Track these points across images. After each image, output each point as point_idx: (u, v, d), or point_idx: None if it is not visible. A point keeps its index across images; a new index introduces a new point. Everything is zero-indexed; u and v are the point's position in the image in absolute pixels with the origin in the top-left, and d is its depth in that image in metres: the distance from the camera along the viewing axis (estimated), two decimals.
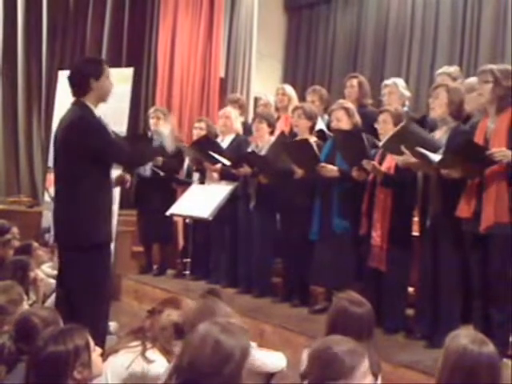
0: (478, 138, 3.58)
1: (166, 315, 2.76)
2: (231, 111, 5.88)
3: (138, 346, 2.66)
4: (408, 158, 3.78)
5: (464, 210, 3.59)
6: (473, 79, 4.55)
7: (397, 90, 5.13)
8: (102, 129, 3.46)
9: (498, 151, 3.37)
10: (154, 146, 3.70)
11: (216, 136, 5.98)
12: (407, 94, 5.24)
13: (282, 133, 5.19)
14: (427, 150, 3.64)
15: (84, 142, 3.33)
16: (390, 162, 4.18)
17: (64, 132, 3.44)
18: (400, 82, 5.30)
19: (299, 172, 4.79)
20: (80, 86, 3.47)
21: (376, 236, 4.17)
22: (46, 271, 4.89)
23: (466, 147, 3.49)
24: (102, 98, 3.54)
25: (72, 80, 3.52)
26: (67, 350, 2.02)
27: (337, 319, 2.60)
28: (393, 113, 4.32)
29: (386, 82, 5.30)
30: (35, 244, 4.98)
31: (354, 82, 5.40)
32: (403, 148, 3.76)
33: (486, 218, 3.44)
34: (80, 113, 3.43)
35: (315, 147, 4.67)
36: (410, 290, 4.34)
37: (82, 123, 3.39)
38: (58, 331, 2.12)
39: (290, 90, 5.89)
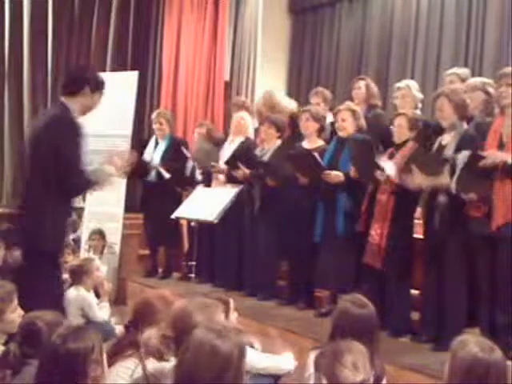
0: (492, 141, 3.59)
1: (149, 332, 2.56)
2: (246, 115, 5.88)
3: (132, 356, 2.52)
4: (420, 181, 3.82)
5: (475, 209, 3.59)
6: (476, 79, 4.56)
7: (410, 92, 5.08)
8: (77, 136, 3.40)
9: (490, 156, 3.40)
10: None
11: (217, 140, 6.01)
12: (420, 96, 5.17)
13: (283, 142, 5.21)
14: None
15: (55, 142, 3.31)
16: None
17: (40, 129, 3.43)
18: (413, 84, 5.23)
19: (304, 181, 4.80)
20: (73, 86, 3.45)
21: (375, 234, 4.16)
22: None
23: (471, 161, 3.49)
24: (85, 109, 3.52)
25: (69, 76, 3.56)
26: (86, 346, 2.01)
27: (339, 320, 2.61)
28: (409, 117, 4.33)
29: (399, 84, 5.22)
30: None
31: (361, 83, 5.40)
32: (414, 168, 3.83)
33: (498, 217, 3.44)
34: (62, 112, 3.41)
35: (318, 157, 4.65)
36: (415, 293, 4.33)
37: (61, 122, 3.38)
38: (74, 329, 2.12)
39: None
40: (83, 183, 3.51)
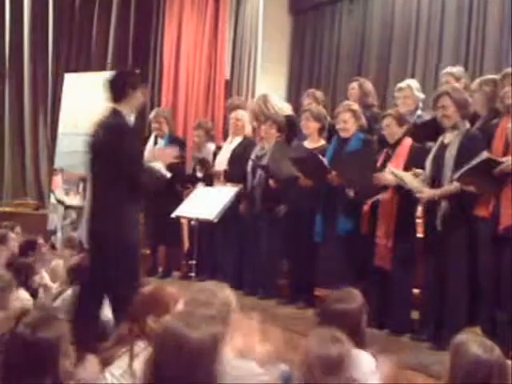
0: (499, 142, 3.59)
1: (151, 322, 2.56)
2: (243, 114, 5.88)
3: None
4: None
5: (482, 209, 3.59)
6: (476, 81, 4.54)
7: (411, 93, 5.05)
8: (135, 137, 3.76)
9: (505, 165, 3.40)
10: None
11: (214, 139, 6.04)
12: (421, 96, 5.14)
13: (278, 141, 5.21)
14: None
15: (120, 145, 3.55)
16: (395, 164, 4.18)
17: (103, 136, 3.65)
18: (414, 84, 5.19)
19: (307, 182, 4.79)
20: (117, 93, 3.71)
21: (381, 235, 4.17)
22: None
23: (483, 163, 3.49)
24: (135, 107, 3.81)
25: (111, 86, 3.75)
26: (56, 336, 1.95)
27: (321, 316, 2.65)
28: (395, 115, 4.34)
29: (401, 85, 5.17)
30: (40, 241, 5.00)
31: (355, 84, 5.42)
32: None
33: (505, 218, 3.44)
34: (118, 118, 3.67)
35: (324, 160, 4.64)
36: (416, 291, 4.33)
37: (119, 128, 3.64)
38: (42, 317, 2.05)
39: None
40: (149, 181, 3.84)
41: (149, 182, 3.84)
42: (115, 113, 3.70)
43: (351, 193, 4.45)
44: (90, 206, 3.83)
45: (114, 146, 3.57)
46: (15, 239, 4.77)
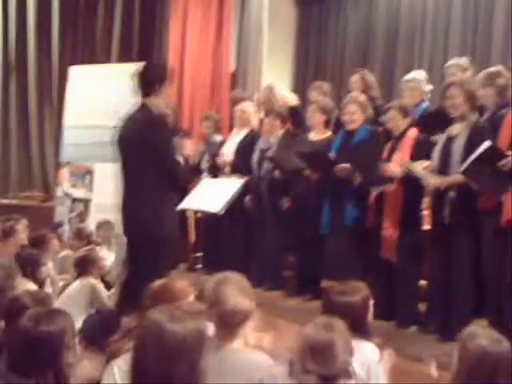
0: (506, 134, 3.57)
1: None
2: (249, 105, 5.87)
3: None
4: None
5: (486, 201, 3.58)
6: (483, 72, 4.50)
7: (419, 85, 5.01)
8: (169, 132, 3.76)
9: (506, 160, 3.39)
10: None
11: (221, 131, 6.04)
12: (428, 87, 5.09)
13: (287, 131, 5.21)
14: None
15: (156, 139, 3.59)
16: (401, 155, 4.17)
17: (136, 130, 3.67)
18: (421, 76, 5.13)
19: (313, 175, 4.79)
20: (147, 87, 3.72)
21: (387, 227, 4.16)
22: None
23: (486, 153, 3.46)
24: (164, 102, 3.83)
25: (139, 80, 3.77)
26: (59, 330, 1.95)
27: (325, 308, 2.65)
28: (398, 106, 4.33)
29: (408, 77, 5.12)
30: (49, 234, 5.02)
31: (356, 77, 5.40)
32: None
33: (508, 211, 3.43)
34: (148, 113, 3.68)
35: (330, 156, 4.62)
36: (423, 283, 4.32)
37: (155, 121, 3.68)
38: (46, 311, 2.06)
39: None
40: (184, 176, 3.94)
41: (183, 175, 3.89)
42: (145, 107, 3.72)
43: (357, 180, 4.42)
44: (125, 199, 3.86)
45: (152, 139, 3.59)
46: (23, 231, 4.79)
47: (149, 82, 3.73)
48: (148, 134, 3.63)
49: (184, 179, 4.01)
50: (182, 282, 2.71)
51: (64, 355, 1.93)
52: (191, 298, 2.59)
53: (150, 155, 3.61)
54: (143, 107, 3.74)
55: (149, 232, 3.65)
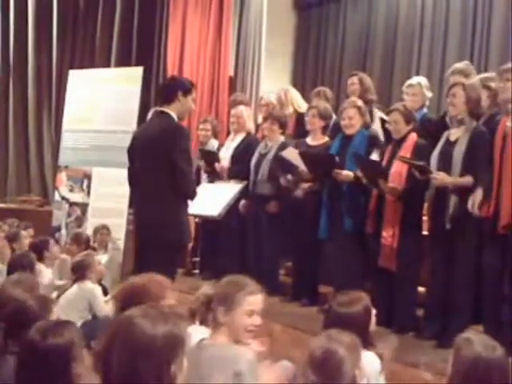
0: (498, 140, 3.58)
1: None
2: (243, 110, 5.87)
3: None
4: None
5: (484, 209, 3.59)
6: (476, 77, 4.52)
7: (421, 91, 5.01)
8: (187, 141, 3.80)
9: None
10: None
11: (218, 136, 6.03)
12: (429, 94, 5.11)
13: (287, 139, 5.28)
14: None
15: (176, 146, 3.64)
16: (398, 168, 4.17)
17: (156, 137, 3.70)
18: (424, 81, 5.13)
19: (309, 186, 4.83)
20: (168, 95, 3.77)
21: (387, 236, 4.15)
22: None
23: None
24: (183, 113, 3.85)
25: (163, 88, 3.89)
26: (66, 342, 1.94)
27: (327, 320, 2.66)
28: (402, 111, 4.30)
29: (411, 81, 5.12)
30: (52, 241, 5.04)
31: (355, 79, 5.38)
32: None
33: (504, 216, 3.43)
34: (169, 120, 3.73)
35: (335, 158, 4.62)
36: (421, 289, 4.31)
37: (175, 128, 3.73)
38: (53, 323, 2.06)
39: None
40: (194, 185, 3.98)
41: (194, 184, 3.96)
42: (164, 114, 3.76)
43: (364, 180, 4.42)
44: (140, 205, 3.93)
45: (173, 146, 3.63)
46: (27, 237, 4.81)
47: (172, 91, 3.78)
48: (168, 140, 3.66)
49: (195, 189, 4.00)
50: (159, 277, 2.64)
51: (72, 367, 1.93)
52: (169, 292, 2.55)
53: (168, 161, 3.64)
54: (162, 114, 3.78)
55: (168, 238, 3.71)
